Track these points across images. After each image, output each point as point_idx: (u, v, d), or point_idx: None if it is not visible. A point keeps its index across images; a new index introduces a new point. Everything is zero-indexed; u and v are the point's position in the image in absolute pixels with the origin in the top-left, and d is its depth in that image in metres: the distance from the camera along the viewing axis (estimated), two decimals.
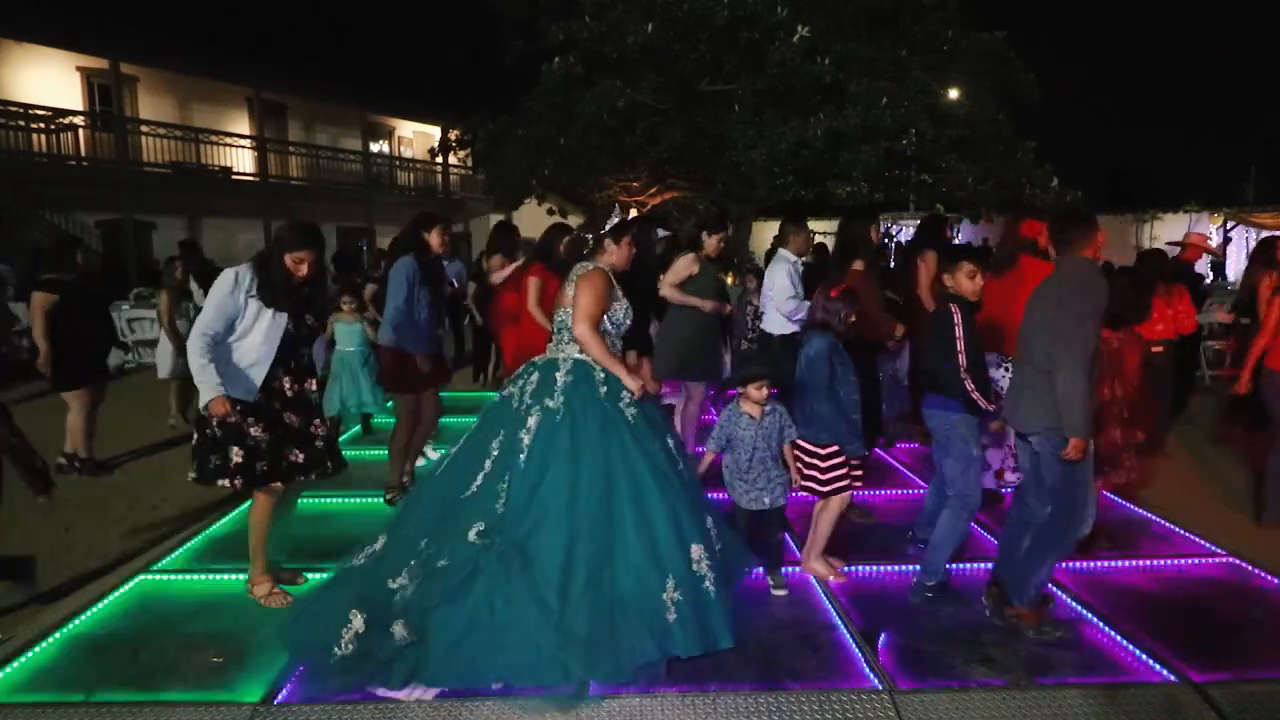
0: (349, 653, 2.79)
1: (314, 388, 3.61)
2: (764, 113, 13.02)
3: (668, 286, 5.17)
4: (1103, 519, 4.63)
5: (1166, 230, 18.59)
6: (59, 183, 14.48)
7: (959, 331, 3.50)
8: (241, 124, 19.09)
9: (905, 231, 18.12)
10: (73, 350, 5.46)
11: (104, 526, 4.73)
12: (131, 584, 3.73)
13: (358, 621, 2.83)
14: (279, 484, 3.46)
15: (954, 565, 3.87)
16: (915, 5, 13.33)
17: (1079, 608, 3.51)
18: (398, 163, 23.67)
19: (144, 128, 16.18)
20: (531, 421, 3.12)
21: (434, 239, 4.78)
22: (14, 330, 10.12)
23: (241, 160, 17.90)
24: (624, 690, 2.85)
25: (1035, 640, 3.22)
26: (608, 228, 3.43)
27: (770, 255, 6.96)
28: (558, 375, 3.21)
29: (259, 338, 3.34)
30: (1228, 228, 18.38)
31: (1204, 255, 6.81)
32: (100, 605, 3.53)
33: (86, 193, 14.80)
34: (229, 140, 17.65)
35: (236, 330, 3.31)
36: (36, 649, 3.15)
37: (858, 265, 4.71)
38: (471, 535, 2.94)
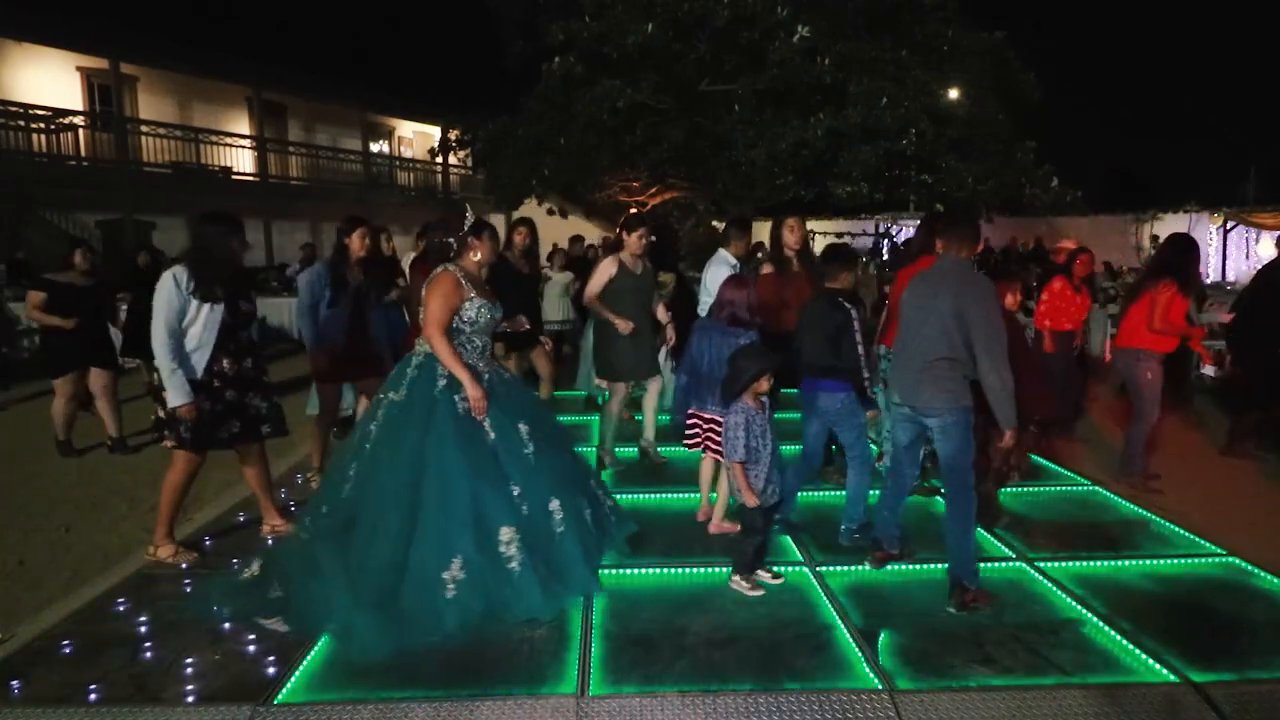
0: (245, 578, 3.56)
1: (252, 365, 4.06)
2: (764, 113, 13.02)
3: (589, 296, 5.34)
4: (1099, 519, 4.64)
5: (1166, 230, 18.56)
6: (59, 183, 14.48)
7: (858, 328, 3.97)
8: (241, 124, 19.10)
9: (905, 231, 18.11)
10: (61, 343, 6.02)
11: (104, 526, 4.73)
12: (131, 584, 3.73)
13: (255, 566, 3.63)
14: (200, 453, 3.96)
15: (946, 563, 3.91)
16: (915, 5, 13.33)
17: (1079, 608, 3.51)
18: (398, 163, 23.70)
19: (144, 128, 16.19)
20: (380, 413, 3.56)
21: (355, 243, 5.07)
22: (16, 330, 10.14)
23: (241, 160, 17.91)
24: (623, 689, 2.87)
25: (1034, 639, 3.23)
26: (469, 226, 3.68)
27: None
28: (408, 370, 3.60)
29: (200, 327, 3.81)
30: (1228, 228, 18.37)
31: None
32: (100, 605, 3.53)
33: (86, 193, 14.80)
34: (229, 140, 17.67)
35: (183, 323, 3.77)
36: (37, 649, 3.15)
37: (766, 269, 5.16)
38: (323, 510, 3.54)
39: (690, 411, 4.31)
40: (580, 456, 4.13)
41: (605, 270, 5.28)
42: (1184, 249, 5.18)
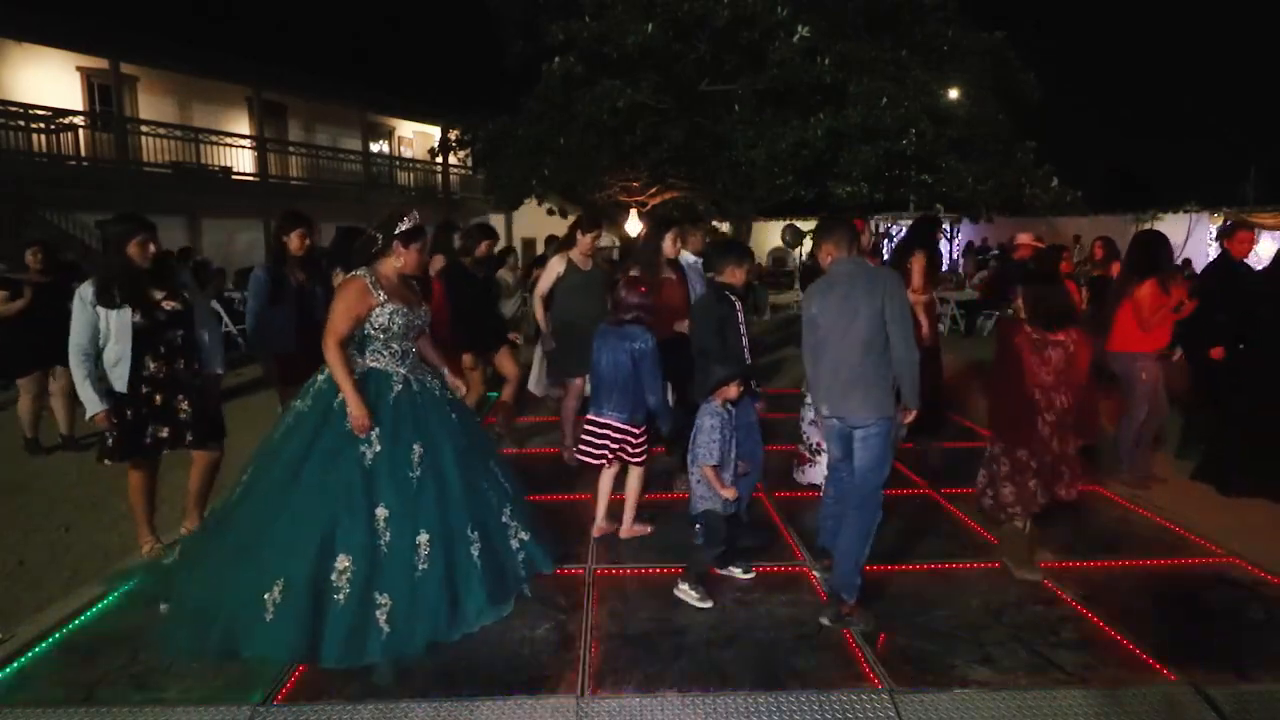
0: (166, 563, 3.67)
1: (184, 366, 3.98)
2: (764, 113, 13.00)
3: (536, 296, 5.44)
4: (1099, 519, 4.64)
5: (1166, 230, 18.52)
6: (59, 183, 14.47)
7: (741, 320, 4.06)
8: (241, 124, 19.08)
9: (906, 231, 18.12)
10: (21, 342, 6.12)
11: (104, 526, 4.73)
12: (131, 584, 3.74)
13: (176, 552, 3.71)
14: (143, 458, 3.97)
15: (946, 563, 3.90)
16: (915, 5, 13.31)
17: (1079, 608, 3.51)
18: (398, 163, 23.67)
19: (144, 128, 16.17)
20: (287, 420, 3.43)
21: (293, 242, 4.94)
22: None
23: (241, 160, 17.89)
24: (624, 691, 2.88)
25: (1021, 637, 3.23)
26: (400, 230, 3.40)
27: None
28: (319, 378, 3.45)
29: (113, 340, 3.78)
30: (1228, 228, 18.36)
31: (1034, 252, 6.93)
32: (100, 605, 3.53)
33: (86, 193, 14.76)
34: (229, 140, 17.64)
35: (101, 337, 3.76)
36: (36, 649, 3.16)
37: (631, 271, 5.05)
38: (216, 509, 3.60)
39: (589, 417, 4.16)
40: (499, 486, 3.65)
41: (554, 268, 5.34)
42: (1147, 244, 5.21)
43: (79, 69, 15.82)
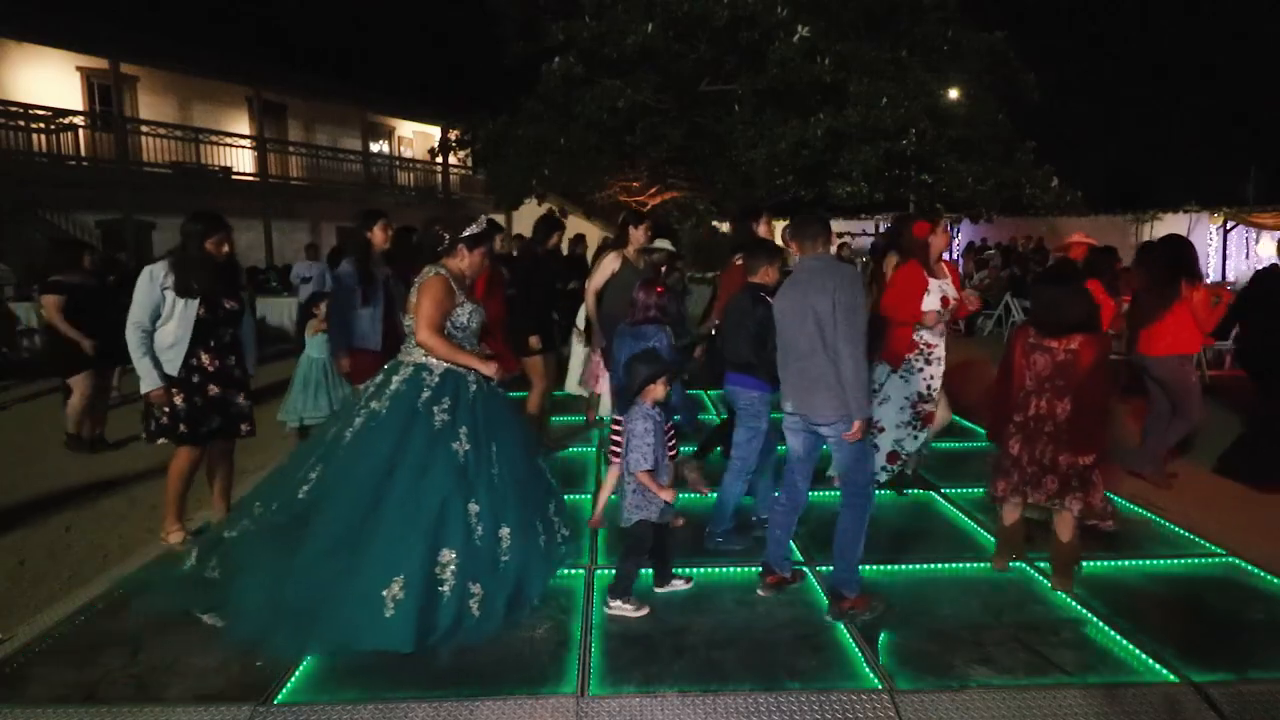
0: (185, 570, 3.56)
1: (235, 363, 4.17)
2: (764, 113, 13.02)
3: (590, 292, 5.38)
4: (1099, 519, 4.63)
5: (1166, 230, 18.52)
6: (59, 183, 14.47)
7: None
8: (241, 124, 19.09)
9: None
10: (71, 342, 6.13)
11: (104, 527, 4.73)
12: (131, 583, 3.73)
13: (193, 557, 3.61)
14: (196, 445, 4.08)
15: (946, 563, 3.91)
16: (915, 5, 13.33)
17: (1079, 608, 3.51)
18: (398, 163, 23.70)
19: (144, 128, 16.18)
20: (358, 421, 3.46)
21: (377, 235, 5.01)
22: (16, 330, 10.14)
23: (241, 160, 17.90)
24: (623, 689, 2.88)
25: (1014, 636, 3.23)
26: (468, 233, 3.55)
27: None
28: (394, 379, 3.49)
29: (175, 323, 3.93)
30: (1228, 228, 18.35)
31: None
32: (100, 605, 3.53)
33: (86, 193, 14.79)
34: (229, 140, 17.65)
35: (161, 319, 3.91)
36: (37, 649, 3.16)
37: (738, 261, 4.88)
38: (273, 508, 3.44)
39: (614, 417, 4.00)
40: (546, 482, 3.90)
41: (609, 266, 5.32)
42: (1182, 248, 5.21)
43: (79, 69, 15.83)
